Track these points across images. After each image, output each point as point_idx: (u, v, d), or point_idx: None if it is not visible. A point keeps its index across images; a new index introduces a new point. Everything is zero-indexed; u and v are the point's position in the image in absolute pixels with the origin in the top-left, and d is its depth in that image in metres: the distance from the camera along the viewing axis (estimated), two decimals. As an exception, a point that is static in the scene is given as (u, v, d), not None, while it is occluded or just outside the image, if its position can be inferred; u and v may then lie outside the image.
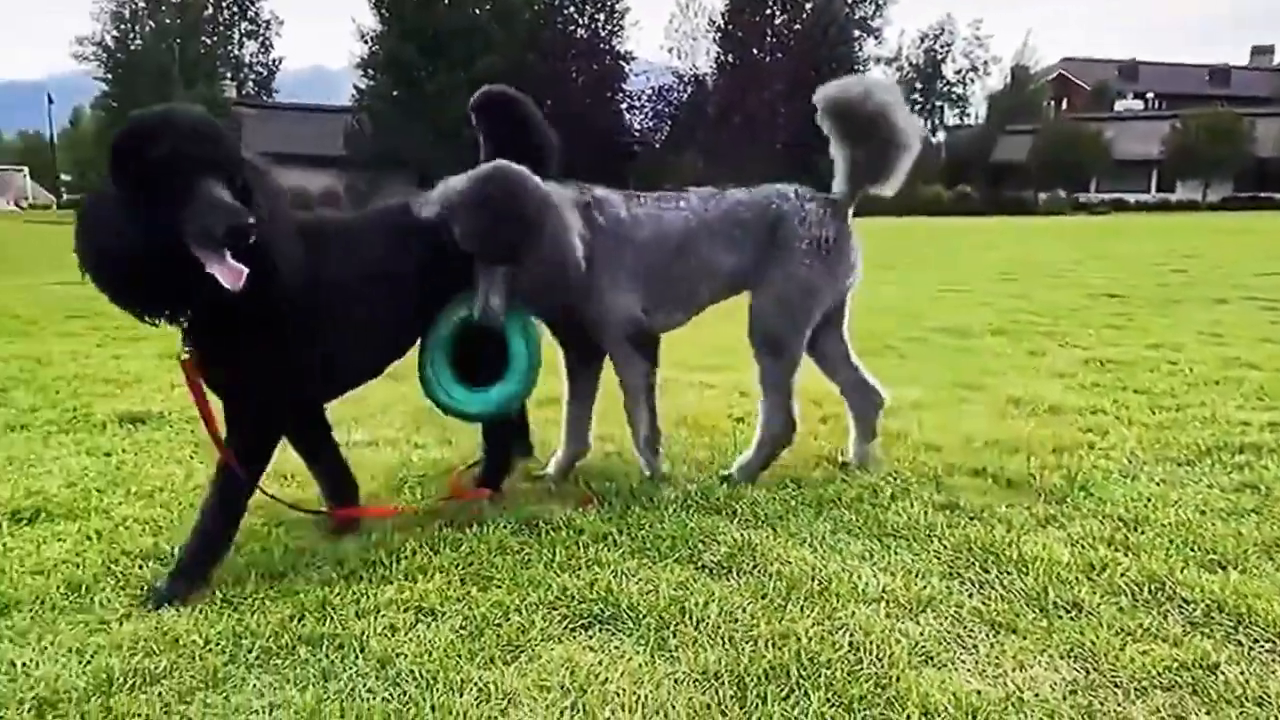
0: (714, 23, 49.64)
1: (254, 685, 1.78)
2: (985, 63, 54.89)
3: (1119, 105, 54.72)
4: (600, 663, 1.85)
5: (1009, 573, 2.26)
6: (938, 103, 56.38)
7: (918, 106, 54.97)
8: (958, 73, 55.52)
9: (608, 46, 47.60)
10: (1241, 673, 1.81)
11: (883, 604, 2.11)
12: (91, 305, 7.84)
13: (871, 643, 1.91)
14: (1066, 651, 1.91)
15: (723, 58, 49.27)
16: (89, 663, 1.85)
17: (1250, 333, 5.91)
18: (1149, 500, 2.77)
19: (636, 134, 48.61)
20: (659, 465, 3.01)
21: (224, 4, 51.10)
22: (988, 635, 1.98)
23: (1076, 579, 2.22)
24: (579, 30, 46.79)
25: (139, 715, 1.66)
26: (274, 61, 53.60)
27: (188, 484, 2.99)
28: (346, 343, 2.47)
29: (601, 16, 47.39)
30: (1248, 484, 2.92)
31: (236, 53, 52.18)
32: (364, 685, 1.77)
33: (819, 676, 1.79)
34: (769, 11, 49.22)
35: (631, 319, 2.89)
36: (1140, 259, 12.49)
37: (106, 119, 48.73)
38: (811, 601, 2.11)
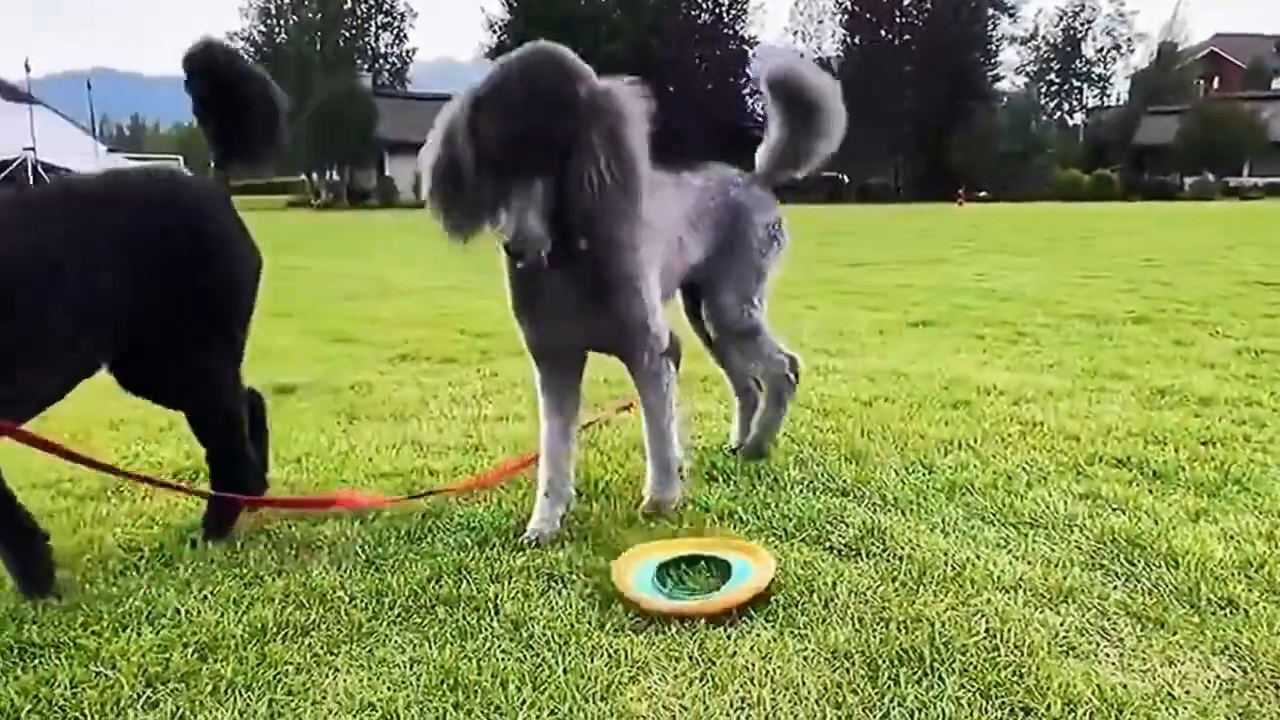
0: (840, 4, 48.66)
1: (395, 641, 1.85)
2: (1129, 40, 52.19)
3: (1276, 84, 51.09)
4: (728, 636, 1.85)
5: (1157, 567, 2.15)
6: (1076, 83, 53.89)
7: (1054, 87, 52.69)
8: (1099, 51, 52.99)
9: (731, 31, 47.28)
10: None
11: (1020, 592, 2.03)
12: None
13: (1009, 630, 1.85)
14: (1221, 649, 1.80)
15: (849, 40, 48.25)
16: (245, 613, 1.96)
17: None
18: (1312, 496, 2.59)
19: (760, 119, 48.05)
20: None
21: (362, -2, 52.91)
22: (1134, 629, 1.89)
23: (1231, 576, 2.09)
24: (703, 16, 46.60)
25: (291, 663, 1.75)
26: (407, 53, 55.24)
27: (331, 449, 3.13)
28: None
29: (725, 1, 47.07)
30: None
31: (372, 45, 53.98)
32: (499, 646, 1.82)
33: (953, 661, 1.74)
34: (898, -8, 47.95)
35: (664, 320, 2.51)
36: (1300, 246, 11.67)
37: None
38: (944, 586, 2.06)
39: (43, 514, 2.49)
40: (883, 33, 47.74)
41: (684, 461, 2.81)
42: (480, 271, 9.63)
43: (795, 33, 49.25)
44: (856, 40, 48.23)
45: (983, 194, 41.46)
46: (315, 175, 43.63)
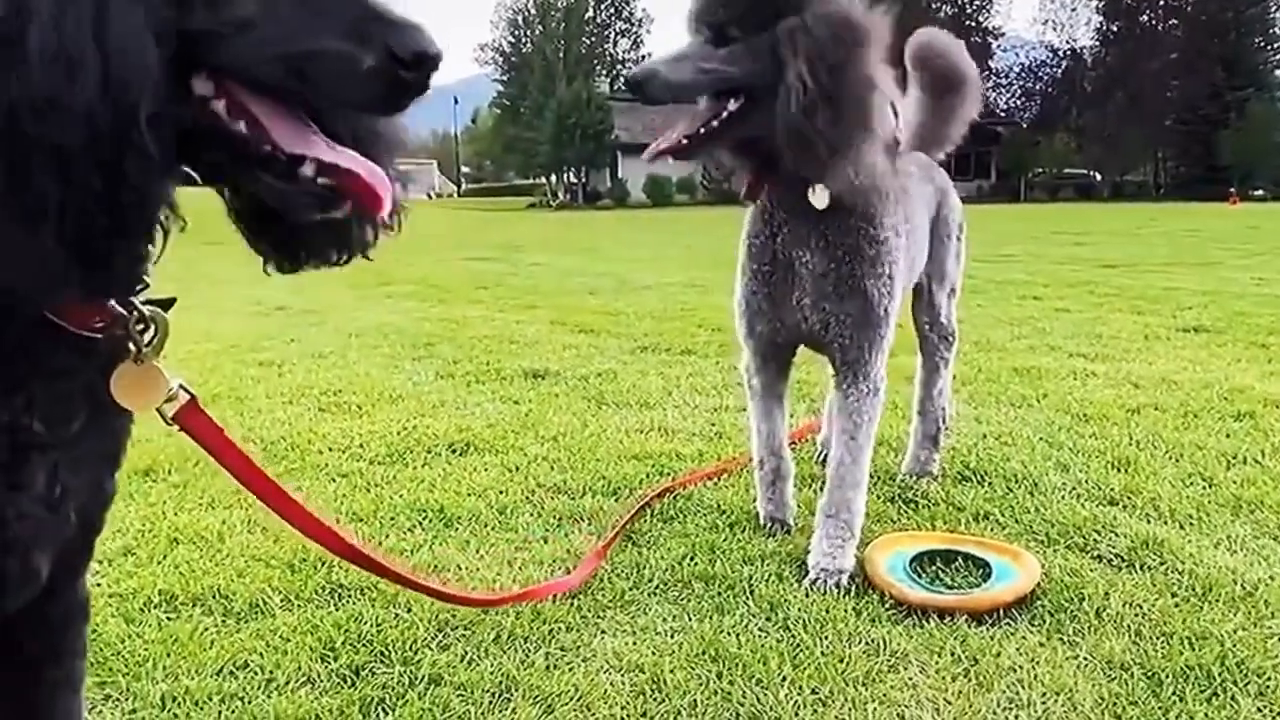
0: (1099, -12, 45.38)
1: (656, 610, 1.92)
2: None
3: None
4: (992, 636, 1.79)
5: None
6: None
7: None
8: None
9: (975, 23, 45.20)
10: None
11: (1325, 619, 1.84)
12: (494, 277, 8.83)
13: (1314, 657, 1.69)
14: None
15: (1106, 27, 44.92)
16: (518, 572, 2.11)
17: None
18: None
19: (1002, 114, 45.70)
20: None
21: (603, 4, 54.82)
22: None
23: None
24: (945, 8, 44.84)
25: (561, 622, 1.86)
26: (643, 58, 56.67)
27: (584, 431, 3.28)
28: None
29: (969, -5, 45.12)
30: None
31: (611, 50, 55.82)
32: (756, 624, 1.85)
33: (1248, 683, 1.61)
34: None
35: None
36: None
37: (503, 116, 54.43)
38: (1233, 605, 1.90)
39: (337, 475, 2.79)
40: (1144, 17, 44.09)
41: (935, 462, 2.74)
42: (714, 269, 9.78)
43: (1045, 22, 46.50)
44: (1114, 27, 44.79)
45: (1259, 192, 37.43)
46: (554, 178, 45.69)
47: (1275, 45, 44.42)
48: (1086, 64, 45.55)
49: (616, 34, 55.79)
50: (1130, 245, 12.51)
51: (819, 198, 1.94)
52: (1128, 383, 3.95)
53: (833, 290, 2.03)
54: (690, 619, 1.88)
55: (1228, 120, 40.23)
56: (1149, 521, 2.37)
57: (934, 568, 2.11)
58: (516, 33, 53.98)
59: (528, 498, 2.60)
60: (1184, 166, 43.40)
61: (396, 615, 1.88)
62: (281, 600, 1.96)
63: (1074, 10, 46.43)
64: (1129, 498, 2.54)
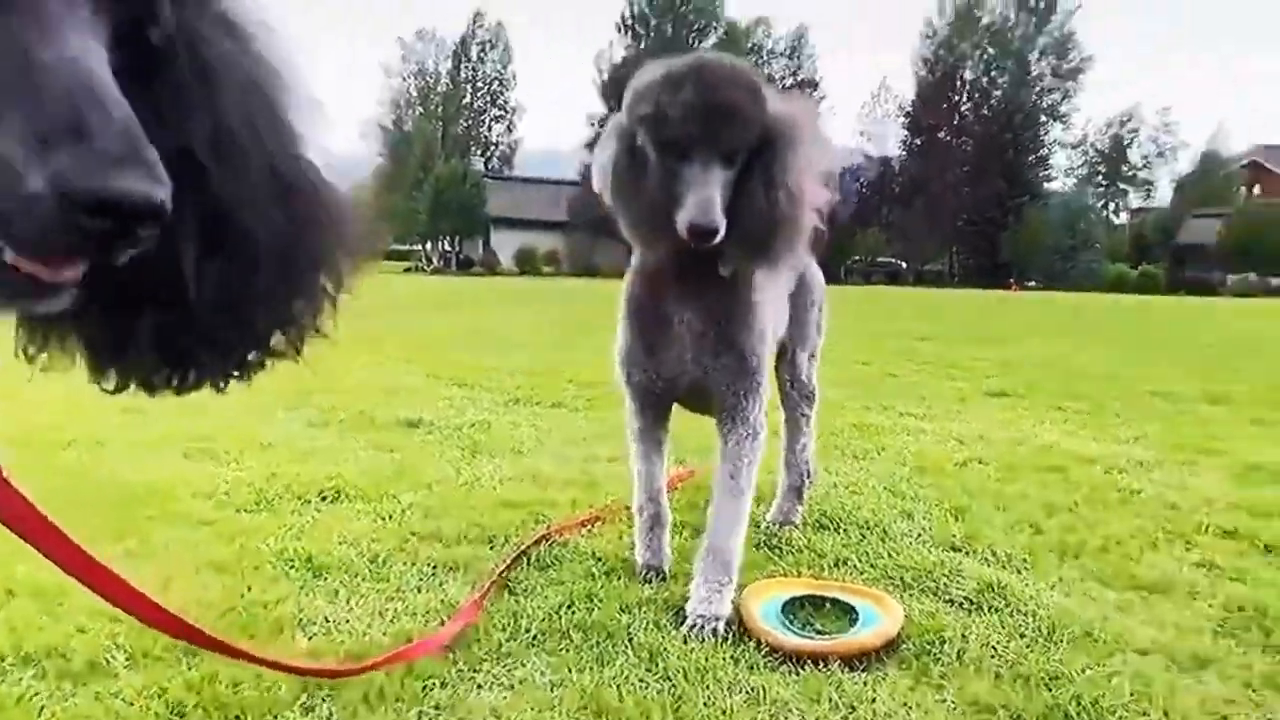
0: (903, 109, 48.69)
1: (534, 662, 1.71)
2: (1172, 148, 50.90)
3: (1318, 192, 49.11)
4: (865, 682, 1.67)
5: (1295, 639, 1.90)
6: (1122, 185, 52.66)
7: (1101, 188, 51.64)
8: (1143, 157, 51.74)
9: (804, 130, 47.55)
10: None
11: (1156, 656, 1.81)
12: (373, 332, 8.40)
13: (1156, 694, 1.63)
14: (1384, 730, 1.56)
15: (911, 141, 48.15)
16: (390, 625, 1.85)
17: None
18: None
19: (847, 201, 48.05)
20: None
21: (479, 94, 54.82)
22: (1284, 702, 1.65)
23: (1378, 653, 1.83)
24: (778, 115, 47.03)
25: (437, 676, 1.62)
26: (515, 142, 56.86)
27: (458, 478, 3.03)
28: None
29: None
30: None
31: (486, 134, 55.72)
32: (636, 675, 1.66)
33: (1104, 723, 1.54)
34: (956, 99, 47.78)
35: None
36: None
37: (379, 188, 53.36)
38: (1078, 645, 1.85)
39: (200, 523, 2.45)
40: (941, 134, 47.49)
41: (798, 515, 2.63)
42: (579, 331, 9.65)
43: (862, 133, 49.36)
44: (917, 141, 48.05)
45: (1032, 283, 40.50)
46: (429, 245, 44.82)
47: (1045, 163, 48.64)
48: (895, 170, 48.52)
49: (491, 119, 55.82)
50: (935, 322, 13.15)
51: (725, 269, 1.93)
52: (952, 439, 4.01)
53: (711, 346, 2.00)
54: (569, 671, 1.68)
55: (1008, 223, 43.56)
56: (989, 566, 2.33)
57: (804, 613, 1.98)
58: (398, 112, 53.25)
59: (401, 546, 2.33)
60: (973, 259, 46.54)
61: (256, 675, 1.59)
62: (126, 659, 1.64)
63: (885, 125, 49.59)
64: (969, 544, 2.50)
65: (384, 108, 53.16)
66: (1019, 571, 2.30)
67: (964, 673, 1.71)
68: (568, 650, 1.77)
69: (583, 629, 1.85)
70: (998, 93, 46.66)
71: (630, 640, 1.80)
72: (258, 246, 0.80)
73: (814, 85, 47.24)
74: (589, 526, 2.53)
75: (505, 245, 40.86)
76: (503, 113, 55.74)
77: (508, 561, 2.18)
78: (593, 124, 45.10)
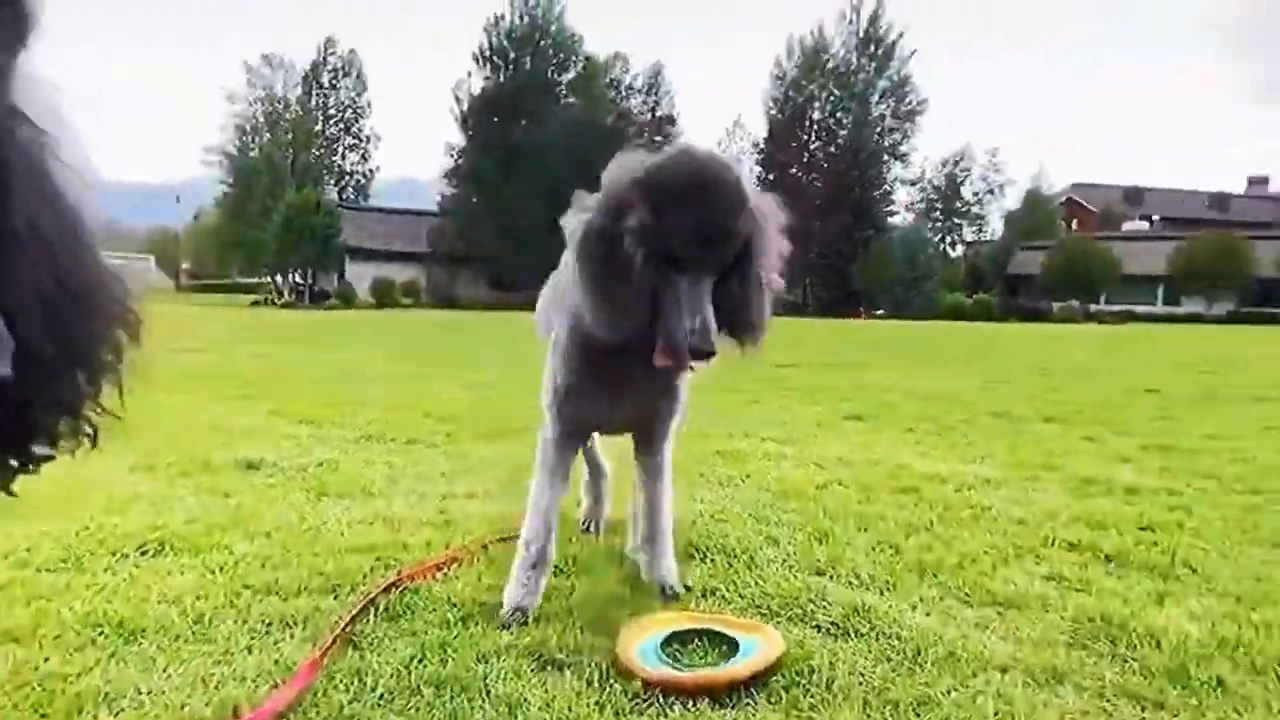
0: (756, 145, 50.52)
1: (380, 725, 1.56)
2: (1001, 185, 54.95)
3: (1126, 226, 54.23)
4: (741, 719, 1.60)
5: (1140, 647, 1.97)
6: (957, 219, 56.35)
7: (939, 222, 55.06)
8: (975, 194, 55.61)
9: (663, 164, 48.54)
10: None
11: (1016, 672, 1.83)
12: (209, 368, 7.87)
13: (1018, 712, 1.64)
14: (1226, 732, 1.62)
15: (765, 176, 49.92)
16: (215, 693, 1.65)
17: (1269, 430, 5.54)
18: (1258, 580, 2.47)
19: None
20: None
21: (332, 121, 53.18)
22: (1137, 711, 1.70)
23: (1213, 656, 1.92)
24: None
25: (266, 751, 1.45)
26: (370, 171, 55.38)
27: (301, 524, 2.81)
28: None
29: (658, 139, 48.54)
30: (1356, 569, 2.60)
31: (340, 163, 54.02)
32: (494, 731, 1.54)
33: (971, 746, 1.53)
34: (806, 138, 49.98)
35: None
36: (1166, 360, 12.05)
37: (225, 215, 50.66)
38: (941, 666, 1.85)
39: (-6, 586, 2.15)
40: (793, 170, 49.50)
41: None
42: (439, 364, 9.37)
43: (718, 168, 50.73)
44: (771, 177, 49.90)
45: (880, 311, 42.61)
46: (279, 277, 42.85)
47: (888, 199, 51.44)
48: (751, 203, 50.15)
49: (345, 148, 54.18)
50: (794, 350, 13.54)
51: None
52: (812, 463, 4.06)
53: (657, 392, 2.14)
54: (420, 731, 1.53)
55: (856, 255, 45.74)
56: (853, 589, 2.33)
57: (686, 648, 1.91)
58: (244, 138, 50.88)
59: (231, 602, 2.11)
60: (826, 290, 48.56)
61: (45, 764, 1.37)
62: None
63: (740, 160, 51.30)
64: (833, 567, 2.50)
65: (228, 134, 50.69)
66: (882, 593, 2.31)
67: (834, 703, 1.68)
68: (418, 709, 1.62)
69: (435, 684, 1.71)
70: (843, 132, 49.10)
71: (487, 693, 1.67)
72: (30, 348, 0.79)
73: (671, 121, 48.46)
74: (444, 570, 2.38)
75: (361, 277, 39.53)
76: (357, 141, 54.21)
77: (352, 613, 2.01)
78: (451, 154, 44.58)
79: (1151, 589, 2.37)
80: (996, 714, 1.63)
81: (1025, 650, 1.95)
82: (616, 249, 1.76)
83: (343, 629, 1.91)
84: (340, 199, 47.37)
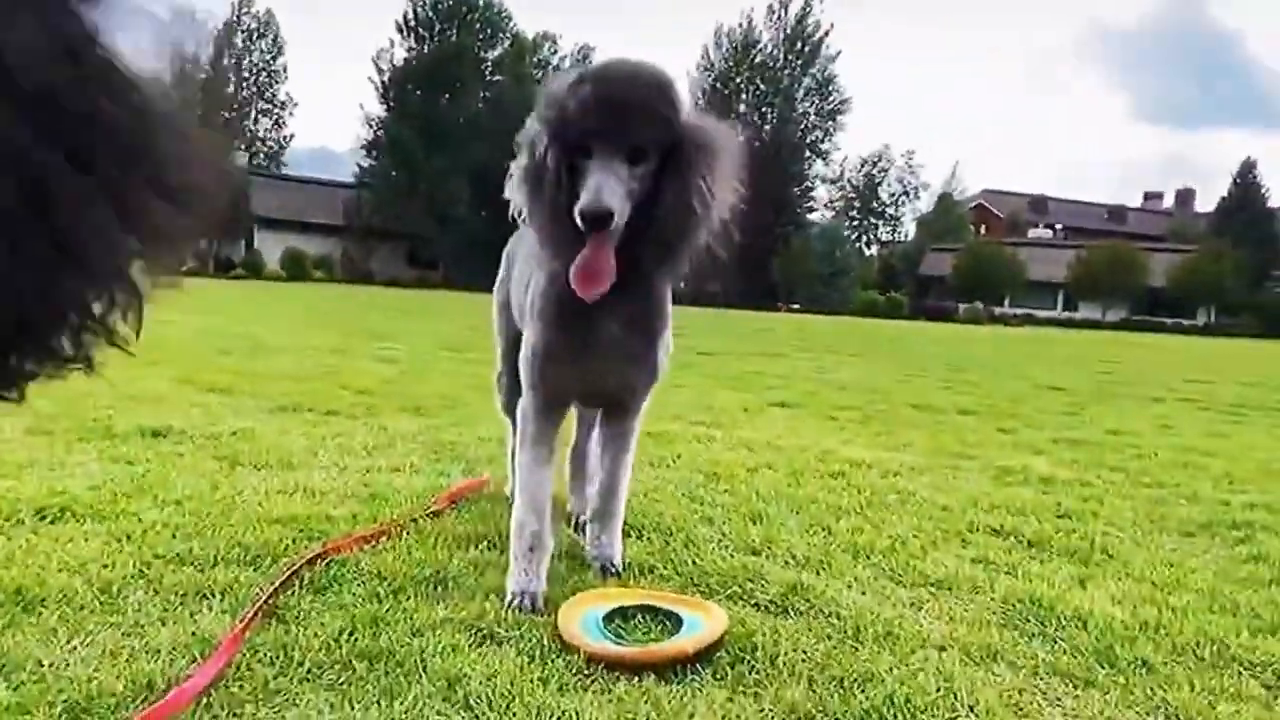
0: (683, 135, 50.60)
1: (309, 699, 1.47)
2: (916, 188, 56.51)
3: (1030, 233, 56.49)
4: (680, 696, 1.57)
5: (1067, 627, 2.02)
6: (873, 219, 57.75)
7: (856, 221, 56.33)
8: (891, 195, 57.06)
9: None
10: None
11: (953, 651, 1.85)
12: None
13: (959, 689, 1.66)
14: (1154, 708, 1.67)
15: (689, 165, 50.11)
16: (125, 667, 1.53)
17: (1196, 427, 5.84)
18: (1171, 566, 2.57)
19: (609, 226, 49.14)
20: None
21: (244, 84, 51.10)
22: (1069, 688, 1.74)
23: (1137, 637, 1.98)
24: (564, 132, 47.46)
25: (188, 727, 1.35)
26: (285, 138, 53.46)
27: (215, 493, 2.66)
28: None
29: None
30: (1254, 557, 2.73)
31: (252, 128, 51.98)
32: (432, 707, 1.47)
33: (917, 721, 1.53)
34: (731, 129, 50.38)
35: None
36: (1068, 361, 12.58)
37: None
38: (881, 644, 1.86)
39: None
40: (718, 162, 49.82)
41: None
42: (356, 336, 9.09)
43: (643, 155, 50.69)
44: (695, 166, 50.14)
45: (796, 305, 43.41)
46: (183, 243, 40.86)
47: (809, 195, 52.33)
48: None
49: (258, 112, 52.12)
50: (717, 339, 13.64)
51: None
52: (742, 446, 4.07)
53: (634, 348, 2.03)
54: (352, 707, 1.45)
55: (777, 249, 46.45)
56: (790, 568, 2.33)
57: (629, 624, 1.87)
58: (149, 97, 48.30)
59: (141, 571, 1.98)
60: (745, 282, 49.21)
61: (-67, 741, 1.24)
62: None
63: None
64: (769, 547, 2.49)
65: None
66: (818, 573, 2.31)
67: (779, 678, 1.66)
68: (350, 683, 1.54)
69: (368, 657, 1.63)
70: (768, 127, 49.71)
71: (424, 667, 1.60)
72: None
73: (599, 105, 48.15)
74: (372, 543, 2.28)
75: (271, 247, 38.16)
76: (271, 106, 52.27)
77: (276, 584, 1.90)
78: (371, 125, 43.34)
79: (1073, 573, 2.44)
80: (938, 690, 1.64)
81: (960, 629, 1.97)
82: (540, 156, 1.75)
83: (265, 600, 1.81)
84: (251, 165, 45.58)
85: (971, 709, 1.60)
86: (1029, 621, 2.06)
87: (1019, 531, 2.83)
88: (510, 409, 2.52)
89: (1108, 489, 3.63)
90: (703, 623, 1.79)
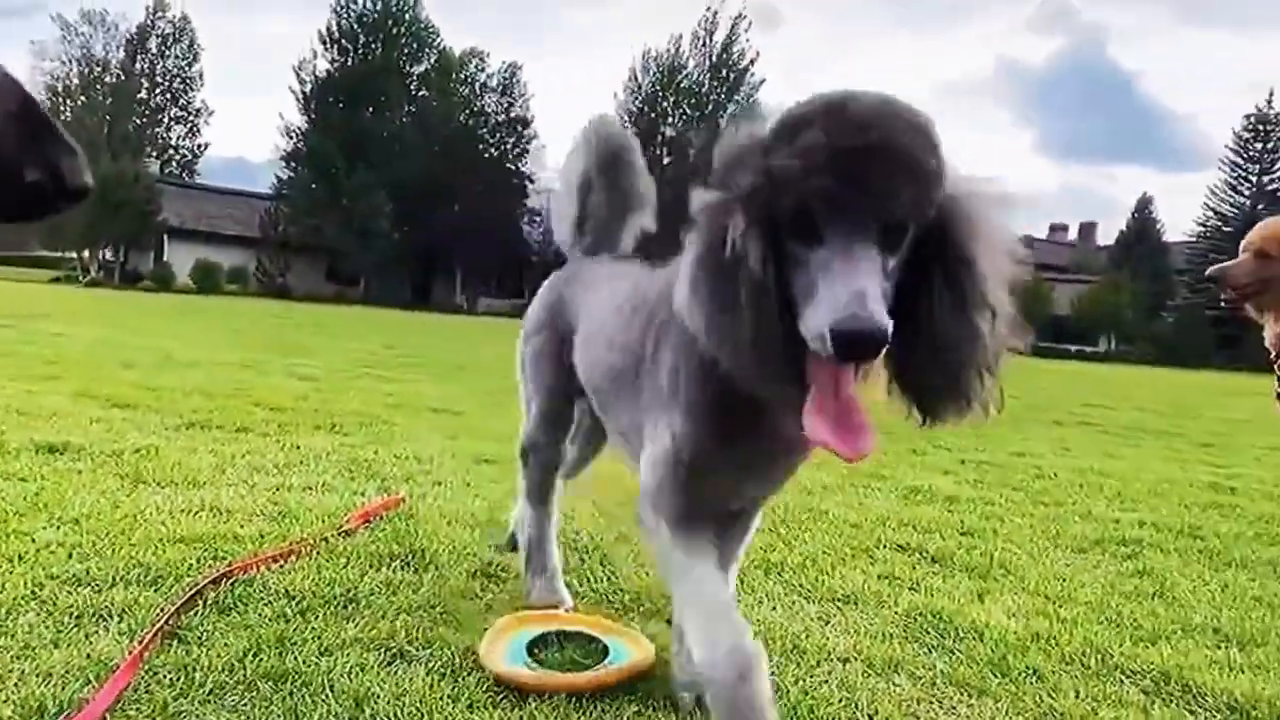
0: (610, 156, 50.90)
1: (210, 722, 1.44)
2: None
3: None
4: (591, 712, 1.59)
5: (965, 639, 2.12)
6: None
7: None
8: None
9: (514, 166, 48.24)
10: (1210, 740, 1.70)
11: (856, 663, 1.92)
12: (2, 345, 7.13)
13: (860, 699, 1.72)
14: (1041, 715, 1.76)
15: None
16: (14, 691, 1.47)
17: (1093, 449, 6.13)
18: (1063, 580, 2.70)
19: (535, 244, 49.11)
20: None
21: (158, 90, 49.46)
22: (963, 697, 1.81)
23: (1028, 647, 2.09)
24: (489, 149, 47.30)
25: (78, 751, 1.31)
26: (199, 147, 51.87)
27: (115, 512, 2.57)
28: None
29: (511, 140, 48.16)
30: (1141, 571, 2.89)
31: (165, 135, 50.29)
32: (339, 726, 1.46)
33: (819, 731, 1.58)
34: (657, 153, 50.98)
35: None
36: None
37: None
38: (789, 658, 1.91)
39: None
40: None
41: None
42: (269, 351, 8.85)
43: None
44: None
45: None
46: (87, 253, 39.32)
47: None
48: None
49: (172, 119, 50.46)
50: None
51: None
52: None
53: (803, 450, 1.50)
54: (257, 728, 1.43)
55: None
56: (703, 586, 2.37)
57: (553, 650, 1.87)
58: (55, 99, 46.41)
59: (34, 593, 1.90)
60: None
61: None
62: None
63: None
64: (683, 565, 2.53)
65: (37, 93, 46.06)
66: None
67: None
68: (254, 704, 1.51)
69: (273, 678, 1.60)
70: (693, 151, 50.45)
71: (331, 687, 1.59)
72: None
73: (525, 123, 48.16)
74: (281, 562, 2.24)
75: (182, 258, 36.85)
76: (185, 113, 50.67)
77: (178, 604, 1.85)
78: (292, 136, 42.39)
79: (973, 588, 2.55)
80: (840, 701, 1.70)
81: (864, 642, 2.04)
82: (737, 255, 1.14)
83: (165, 620, 1.76)
84: (163, 174, 44.07)
85: (870, 718, 1.66)
86: (929, 634, 2.14)
87: (924, 548, 2.94)
88: (542, 492, 2.17)
89: (1009, 507, 3.79)
90: (628, 651, 1.81)
